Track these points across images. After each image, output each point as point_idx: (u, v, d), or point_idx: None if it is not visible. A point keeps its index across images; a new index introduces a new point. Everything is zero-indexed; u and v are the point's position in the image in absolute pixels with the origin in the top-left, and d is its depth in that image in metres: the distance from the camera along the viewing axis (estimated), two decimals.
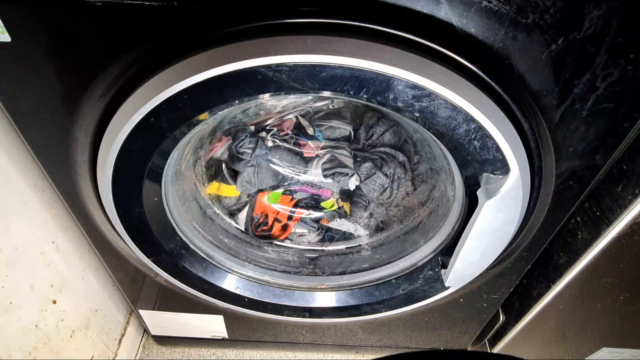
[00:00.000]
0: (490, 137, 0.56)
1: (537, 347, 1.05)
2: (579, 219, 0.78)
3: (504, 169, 0.59)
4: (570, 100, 0.55)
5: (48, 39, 0.52)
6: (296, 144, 0.93)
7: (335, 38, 0.50)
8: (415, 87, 0.52)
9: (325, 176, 0.94)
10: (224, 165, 0.93)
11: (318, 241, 0.99)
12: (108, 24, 0.51)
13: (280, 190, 0.96)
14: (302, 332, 1.13)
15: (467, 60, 0.53)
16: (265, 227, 0.96)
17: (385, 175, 0.91)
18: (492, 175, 0.60)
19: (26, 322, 0.80)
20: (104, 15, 0.50)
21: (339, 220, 0.99)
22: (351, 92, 0.53)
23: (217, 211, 0.94)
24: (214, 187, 0.93)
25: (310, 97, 0.87)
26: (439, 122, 0.55)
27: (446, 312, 0.99)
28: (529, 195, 0.64)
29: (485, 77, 0.54)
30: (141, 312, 1.06)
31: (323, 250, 0.98)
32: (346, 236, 0.99)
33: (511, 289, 0.91)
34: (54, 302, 0.88)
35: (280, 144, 0.92)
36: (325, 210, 0.98)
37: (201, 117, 0.57)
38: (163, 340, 1.22)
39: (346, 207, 0.98)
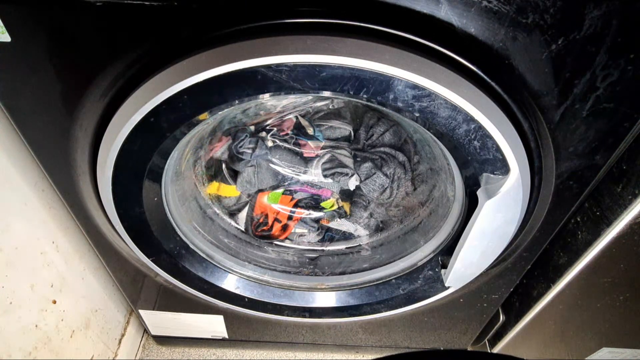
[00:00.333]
0: (490, 137, 0.56)
1: (537, 347, 1.05)
2: (579, 219, 0.78)
3: (504, 169, 0.59)
4: (570, 100, 0.55)
5: (48, 39, 0.52)
6: (296, 144, 0.93)
7: (335, 38, 0.50)
8: (415, 87, 0.52)
9: (325, 176, 0.94)
10: (224, 165, 0.93)
11: (318, 241, 0.99)
12: (108, 24, 0.51)
13: (280, 190, 0.96)
14: (302, 332, 1.13)
15: (467, 60, 0.53)
16: (265, 227, 0.96)
17: (385, 175, 0.91)
18: (492, 175, 0.60)
19: (26, 322, 0.80)
20: (104, 15, 0.50)
21: (339, 220, 0.99)
22: (351, 92, 0.53)
23: (217, 211, 0.94)
24: (214, 187, 0.93)
25: (310, 97, 0.87)
26: (439, 122, 0.55)
27: (446, 312, 0.99)
28: (529, 195, 0.64)
29: (485, 77, 0.54)
30: (141, 312, 1.06)
31: (323, 250, 0.98)
32: (346, 236, 0.99)
33: (511, 289, 0.91)
34: (54, 302, 0.88)
35: (280, 144, 0.92)
36: (325, 210, 0.98)
37: (201, 117, 0.57)
38: (163, 340, 1.22)
39: (346, 207, 0.98)
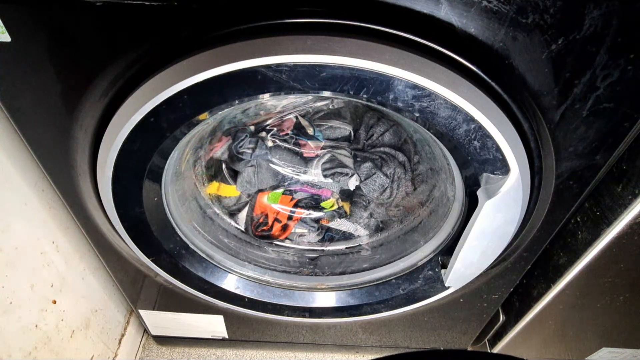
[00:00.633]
0: (490, 137, 0.56)
1: (537, 347, 1.05)
2: (579, 219, 0.78)
3: (504, 169, 0.59)
4: (570, 100, 0.55)
5: (48, 39, 0.52)
6: (296, 144, 0.93)
7: (335, 38, 0.50)
8: (415, 87, 0.52)
9: (325, 176, 0.94)
10: (224, 165, 0.93)
11: (318, 241, 0.99)
12: (108, 24, 0.51)
13: (280, 190, 0.96)
14: (302, 332, 1.13)
15: (467, 60, 0.53)
16: (265, 227, 0.96)
17: (385, 175, 0.91)
18: (492, 175, 0.60)
19: (26, 322, 0.80)
20: (104, 15, 0.50)
21: (339, 220, 0.99)
22: (351, 92, 0.53)
23: (217, 211, 0.94)
24: (214, 187, 0.93)
25: (310, 97, 0.87)
26: (439, 122, 0.55)
27: (446, 312, 0.99)
28: (529, 195, 0.64)
29: (485, 77, 0.54)
30: (141, 312, 1.06)
31: (323, 250, 0.98)
32: (346, 236, 0.99)
33: (511, 289, 0.91)
34: (54, 302, 0.88)
35: (280, 144, 0.92)
36: (325, 210, 0.98)
37: (201, 117, 0.57)
38: (163, 340, 1.22)
39: (346, 207, 0.98)
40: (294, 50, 0.50)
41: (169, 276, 0.85)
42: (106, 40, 0.52)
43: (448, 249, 0.81)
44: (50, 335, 0.87)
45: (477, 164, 0.59)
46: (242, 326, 1.10)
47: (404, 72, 0.51)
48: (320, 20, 0.51)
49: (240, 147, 0.89)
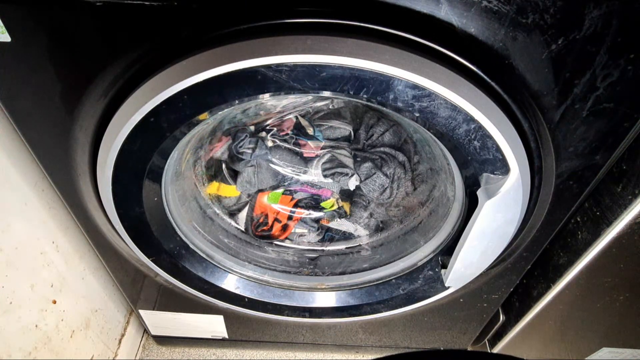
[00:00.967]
0: (490, 137, 0.56)
1: (537, 347, 1.05)
2: (579, 219, 0.78)
3: (504, 169, 0.59)
4: (570, 100, 0.55)
5: (48, 39, 0.52)
6: (296, 144, 0.93)
7: (335, 38, 0.50)
8: (415, 87, 0.52)
9: (325, 176, 0.94)
10: (224, 165, 0.93)
11: (318, 241, 0.99)
12: (108, 24, 0.51)
13: (280, 190, 0.96)
14: (302, 332, 1.13)
15: (467, 60, 0.53)
16: (265, 227, 0.96)
17: (385, 175, 0.91)
18: (492, 175, 0.60)
19: (26, 322, 0.80)
20: (104, 15, 0.50)
21: (339, 220, 0.99)
22: (351, 92, 0.53)
23: (217, 211, 0.94)
24: (214, 187, 0.93)
25: (310, 97, 0.87)
26: (439, 122, 0.55)
27: (446, 312, 0.99)
28: (529, 195, 0.64)
29: (485, 77, 0.54)
30: (141, 312, 1.06)
31: (323, 250, 0.98)
32: (346, 236, 0.99)
33: (511, 289, 0.91)
34: (54, 302, 0.88)
35: (280, 144, 0.92)
36: (325, 210, 0.98)
37: (201, 117, 0.57)
38: (163, 340, 1.22)
39: (346, 207, 0.98)
40: (294, 50, 0.50)
41: (169, 276, 0.85)
42: (106, 40, 0.52)
43: (448, 249, 0.81)
44: (50, 335, 0.87)
45: (477, 164, 0.59)
46: (242, 326, 1.10)
47: (404, 72, 0.51)
48: (320, 20, 0.51)
49: (240, 147, 0.89)
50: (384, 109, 0.56)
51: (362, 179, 0.93)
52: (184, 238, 0.82)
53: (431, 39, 0.52)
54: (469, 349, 1.16)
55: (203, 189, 0.91)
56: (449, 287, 0.86)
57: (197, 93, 0.53)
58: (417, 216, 0.93)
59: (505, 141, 0.56)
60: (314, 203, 0.98)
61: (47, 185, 0.82)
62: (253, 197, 0.96)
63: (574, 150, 0.60)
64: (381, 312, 0.94)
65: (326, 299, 0.94)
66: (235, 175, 0.92)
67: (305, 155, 0.94)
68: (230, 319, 1.06)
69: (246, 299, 0.92)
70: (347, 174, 0.92)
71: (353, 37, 0.51)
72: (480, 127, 0.55)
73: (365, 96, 0.53)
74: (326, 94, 0.54)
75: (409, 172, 0.93)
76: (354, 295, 0.93)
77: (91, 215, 0.77)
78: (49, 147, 0.66)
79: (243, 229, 0.96)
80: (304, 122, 0.93)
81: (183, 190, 0.83)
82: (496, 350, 1.09)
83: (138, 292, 0.99)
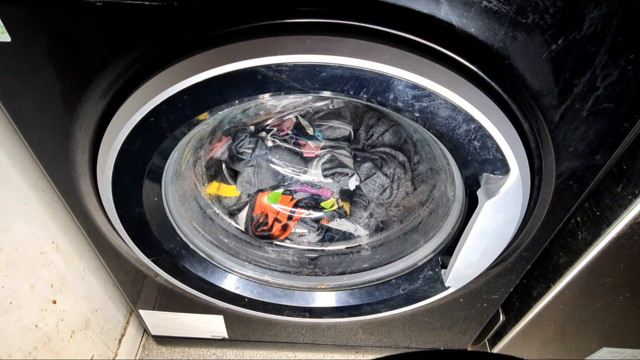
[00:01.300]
0: (490, 137, 0.56)
1: (537, 347, 1.05)
2: (579, 219, 0.78)
3: (504, 169, 0.59)
4: (570, 100, 0.55)
5: (48, 39, 0.52)
6: (296, 144, 0.93)
7: (335, 38, 0.50)
8: (415, 87, 0.52)
9: (325, 176, 0.94)
10: (224, 165, 0.93)
11: (318, 241, 0.99)
12: (108, 24, 0.51)
13: (280, 190, 0.96)
14: (302, 332, 1.13)
15: (467, 60, 0.53)
16: (265, 227, 0.96)
17: (385, 175, 0.91)
18: (492, 175, 0.60)
19: (26, 322, 0.80)
20: (104, 15, 0.50)
21: (339, 220, 0.99)
22: (351, 92, 0.53)
23: (217, 211, 0.94)
24: (214, 187, 0.93)
25: (310, 97, 0.87)
26: (439, 122, 0.55)
27: (446, 312, 0.99)
28: (529, 195, 0.64)
29: (485, 77, 0.54)
30: (141, 312, 1.06)
31: (323, 250, 0.98)
32: (346, 236, 0.99)
33: (511, 289, 0.91)
34: (54, 302, 0.88)
35: (280, 144, 0.92)
36: (325, 210, 0.98)
37: (201, 117, 0.57)
38: (163, 340, 1.22)
39: (346, 207, 0.98)
40: (294, 50, 0.50)
41: (169, 276, 0.85)
42: (106, 40, 0.52)
43: (448, 249, 0.81)
44: (50, 335, 0.87)
45: (477, 164, 0.59)
46: (242, 326, 1.10)
47: (404, 72, 0.51)
48: (320, 20, 0.51)
49: (240, 147, 0.89)
50: (384, 109, 0.56)
51: (362, 179, 0.93)
52: (184, 238, 0.82)
53: (431, 39, 0.52)
54: (469, 349, 1.16)
55: (203, 189, 0.91)
56: (449, 287, 0.86)
57: (197, 93, 0.53)
58: (417, 216, 0.93)
59: (505, 141, 0.56)
60: (314, 203, 0.98)
61: (47, 185, 0.82)
62: (253, 197, 0.96)
63: (574, 150, 0.60)
64: (381, 312, 0.94)
65: (326, 299, 0.94)
66: (235, 175, 0.92)
67: (305, 155, 0.94)
68: (230, 319, 1.06)
69: (246, 299, 0.92)
70: (347, 174, 0.92)
71: (353, 37, 0.51)
72: (480, 127, 0.55)
73: (365, 96, 0.53)
74: (326, 94, 0.54)
75: (409, 172, 0.93)
76: (354, 295, 0.93)
77: (91, 215, 0.77)
78: (49, 147, 0.66)
79: (243, 229, 0.96)
80: (304, 122, 0.93)
81: (183, 190, 0.83)
82: (496, 350, 1.09)
83: (138, 292, 0.99)
